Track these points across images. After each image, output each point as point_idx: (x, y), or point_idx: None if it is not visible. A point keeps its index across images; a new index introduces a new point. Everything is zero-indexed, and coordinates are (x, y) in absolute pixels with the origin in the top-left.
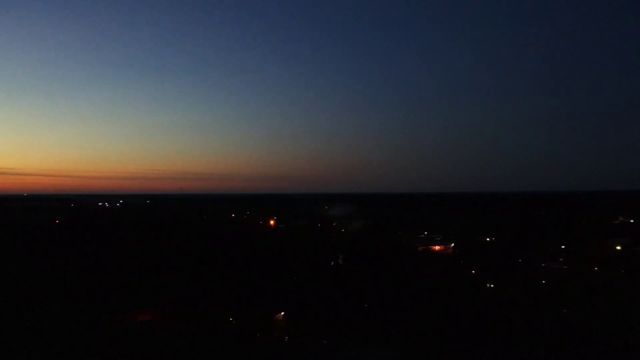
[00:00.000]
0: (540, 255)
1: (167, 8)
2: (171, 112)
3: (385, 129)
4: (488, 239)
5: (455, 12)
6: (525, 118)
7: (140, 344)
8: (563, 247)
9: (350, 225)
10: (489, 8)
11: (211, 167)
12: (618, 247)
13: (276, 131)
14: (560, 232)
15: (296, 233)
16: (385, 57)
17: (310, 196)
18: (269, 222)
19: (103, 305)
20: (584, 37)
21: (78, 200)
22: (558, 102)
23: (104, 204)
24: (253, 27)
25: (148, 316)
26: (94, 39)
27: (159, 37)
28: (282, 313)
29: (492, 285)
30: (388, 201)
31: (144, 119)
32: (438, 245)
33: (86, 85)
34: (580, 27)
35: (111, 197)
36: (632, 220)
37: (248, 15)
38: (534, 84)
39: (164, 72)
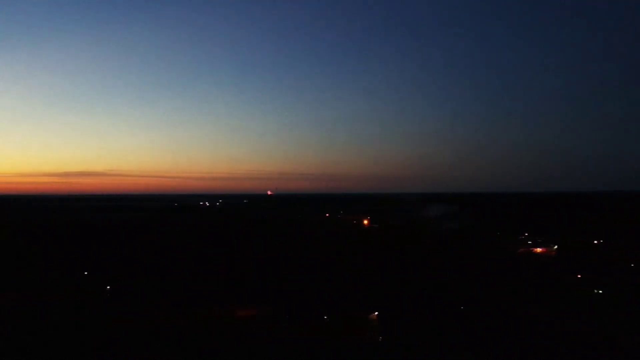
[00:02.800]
0: None
1: (261, 7)
2: (267, 114)
3: (483, 128)
4: (595, 242)
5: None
6: (620, 118)
7: (236, 339)
8: None
9: (447, 225)
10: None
11: (306, 167)
12: None
13: (370, 131)
14: None
15: (390, 233)
16: (482, 59)
17: (405, 195)
18: (362, 221)
19: (203, 301)
20: None
21: (181, 200)
22: None
23: (204, 203)
24: (343, 27)
25: (245, 312)
26: (188, 41)
27: (248, 38)
28: (376, 313)
29: (600, 292)
30: (484, 201)
31: (241, 120)
32: (540, 247)
33: (185, 88)
34: None
35: (211, 197)
36: None
37: (346, 14)
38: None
39: (259, 74)
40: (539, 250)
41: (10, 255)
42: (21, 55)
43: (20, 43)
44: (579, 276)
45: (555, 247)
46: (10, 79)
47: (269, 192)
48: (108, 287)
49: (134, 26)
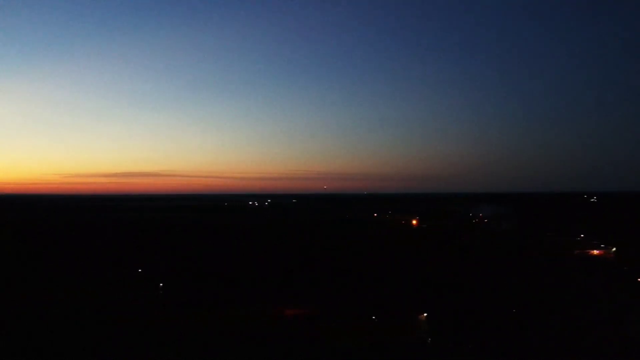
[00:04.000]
0: None
1: (318, 7)
2: (316, 114)
3: (538, 127)
4: None
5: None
6: None
7: (285, 337)
8: None
9: (498, 225)
10: None
11: (355, 167)
12: None
13: (419, 131)
14: None
15: (441, 233)
16: (539, 55)
17: (455, 195)
18: (411, 221)
19: (253, 299)
20: None
21: (230, 200)
22: None
23: (253, 203)
24: (400, 27)
25: (294, 311)
26: (242, 42)
27: (301, 38)
28: (425, 314)
29: None
30: (535, 200)
31: (291, 121)
32: (597, 249)
33: (238, 89)
34: None
35: (260, 197)
36: None
37: (405, 15)
38: None
39: (311, 74)
40: (595, 252)
41: (72, 251)
42: (81, 55)
43: (82, 42)
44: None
45: (614, 249)
46: (71, 80)
47: (324, 187)
48: (161, 284)
49: (192, 29)
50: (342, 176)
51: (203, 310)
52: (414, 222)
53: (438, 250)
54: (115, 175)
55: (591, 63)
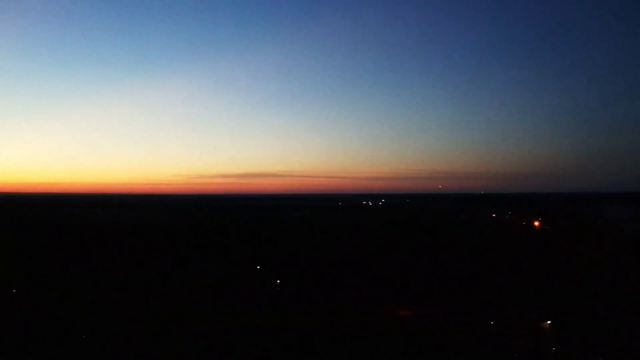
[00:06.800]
0: None
1: (434, 8)
2: (428, 112)
3: None
4: None
5: None
6: None
7: (397, 338)
8: None
9: (630, 228)
10: None
11: (470, 165)
12: None
13: (536, 129)
14: None
15: (566, 236)
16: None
17: (577, 195)
18: (532, 223)
19: (367, 299)
20: None
21: (345, 199)
22: None
23: (367, 203)
24: (517, 25)
25: (409, 312)
26: (362, 44)
27: (414, 39)
28: (549, 322)
29: None
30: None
31: (403, 120)
32: None
33: (353, 90)
34: None
35: (374, 197)
36: None
37: (508, 13)
38: None
39: (423, 74)
40: None
41: (199, 248)
42: (207, 60)
43: (206, 48)
44: None
45: None
46: (187, 85)
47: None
48: (278, 281)
49: (309, 32)
50: (457, 175)
51: (316, 308)
52: (536, 223)
53: (563, 254)
54: (234, 176)
55: None
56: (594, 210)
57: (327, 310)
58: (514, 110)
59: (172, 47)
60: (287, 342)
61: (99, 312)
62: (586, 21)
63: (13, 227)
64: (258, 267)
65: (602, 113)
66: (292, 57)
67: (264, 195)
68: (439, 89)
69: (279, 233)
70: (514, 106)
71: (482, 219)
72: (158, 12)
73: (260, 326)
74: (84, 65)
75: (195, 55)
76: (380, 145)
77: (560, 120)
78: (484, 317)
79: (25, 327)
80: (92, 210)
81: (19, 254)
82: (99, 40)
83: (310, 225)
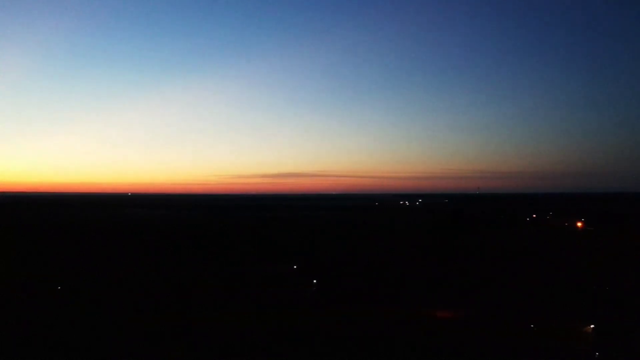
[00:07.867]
0: None
1: (458, 10)
2: (466, 112)
3: None
4: None
5: None
6: None
7: (435, 339)
8: None
9: None
10: None
11: (510, 165)
12: None
13: (573, 127)
14: None
15: (611, 237)
16: None
17: (620, 194)
18: (575, 224)
19: (407, 300)
20: None
21: (381, 199)
22: None
23: (404, 203)
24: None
25: (446, 314)
26: (393, 44)
27: (444, 39)
28: (592, 326)
29: None
30: None
31: (440, 119)
32: None
33: (388, 90)
34: None
35: (412, 197)
36: None
37: (540, 14)
38: None
39: (458, 73)
40: None
41: (232, 247)
42: (242, 63)
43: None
44: None
45: None
46: (226, 87)
47: (478, 188)
48: (315, 280)
49: (346, 34)
50: (496, 175)
51: (352, 307)
52: (579, 224)
53: (609, 257)
54: (269, 176)
55: None
56: (633, 210)
57: (363, 310)
58: (553, 109)
59: (212, 49)
60: (323, 343)
61: (137, 313)
62: (591, 21)
63: (66, 225)
64: (295, 267)
65: None
66: (329, 59)
67: (300, 195)
68: (477, 89)
69: (316, 233)
70: (557, 105)
71: (524, 220)
72: (200, 13)
73: (292, 327)
74: (126, 67)
75: (233, 57)
76: (419, 144)
77: (596, 118)
78: (526, 320)
79: (38, 327)
80: (135, 210)
81: (68, 252)
82: (142, 42)
83: (346, 225)
